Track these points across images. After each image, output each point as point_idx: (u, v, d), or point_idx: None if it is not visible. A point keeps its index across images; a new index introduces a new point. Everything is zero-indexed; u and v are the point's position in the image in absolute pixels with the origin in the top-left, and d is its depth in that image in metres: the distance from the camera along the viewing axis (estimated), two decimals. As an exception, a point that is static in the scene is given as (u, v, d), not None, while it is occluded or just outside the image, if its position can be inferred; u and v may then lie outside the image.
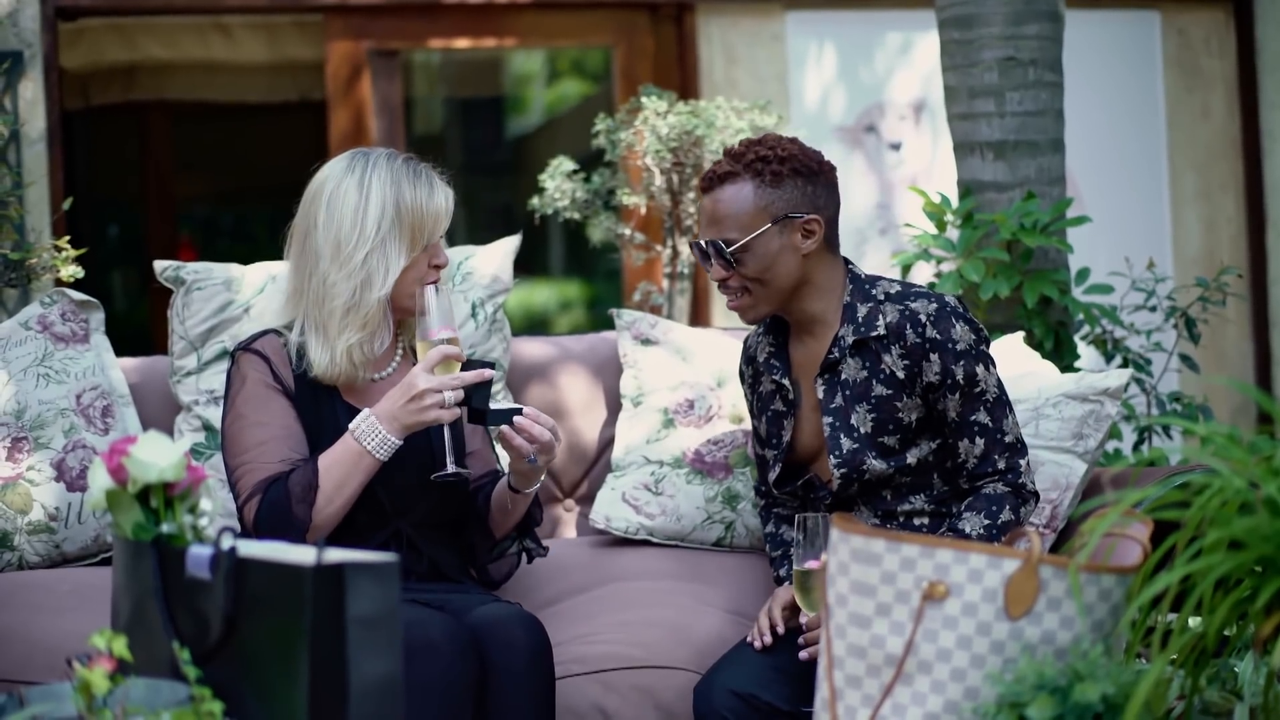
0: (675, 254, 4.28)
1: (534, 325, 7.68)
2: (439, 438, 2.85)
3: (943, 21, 4.00)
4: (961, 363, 2.84)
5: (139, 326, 7.67)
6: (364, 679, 1.90)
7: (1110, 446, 4.05)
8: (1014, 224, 3.82)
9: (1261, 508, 1.98)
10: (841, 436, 2.88)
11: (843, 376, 2.89)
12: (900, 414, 2.87)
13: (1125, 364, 4.02)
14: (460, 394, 2.78)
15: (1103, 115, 5.88)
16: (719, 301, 5.71)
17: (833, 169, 2.93)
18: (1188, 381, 5.47)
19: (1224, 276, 4.08)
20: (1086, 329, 4.08)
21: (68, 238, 3.64)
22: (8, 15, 4.99)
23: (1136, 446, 4.09)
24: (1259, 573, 2.00)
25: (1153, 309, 4.13)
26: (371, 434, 2.78)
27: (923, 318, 2.85)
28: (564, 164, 4.30)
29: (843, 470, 2.87)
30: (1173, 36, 6.04)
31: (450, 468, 2.83)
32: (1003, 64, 3.91)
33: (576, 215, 4.31)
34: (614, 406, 3.51)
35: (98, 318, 3.36)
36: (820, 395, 2.91)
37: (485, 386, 2.81)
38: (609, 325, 3.61)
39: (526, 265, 7.22)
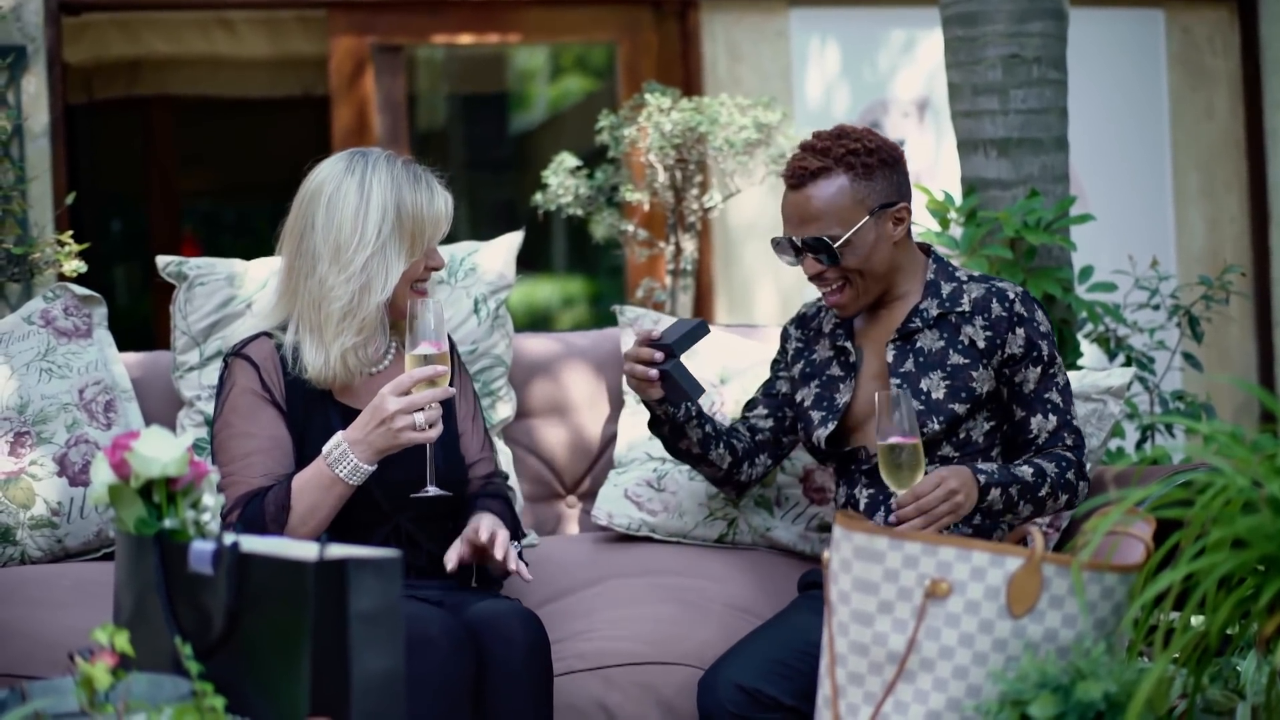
0: (678, 250, 4.28)
1: (537, 322, 7.69)
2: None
3: (947, 19, 3.99)
4: (1044, 341, 2.94)
5: (141, 321, 7.67)
6: (366, 674, 1.91)
7: (1113, 445, 4.05)
8: (1017, 222, 3.82)
9: (1264, 506, 1.98)
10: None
11: (918, 344, 2.96)
12: (974, 384, 2.93)
13: (1128, 362, 4.02)
14: (438, 410, 2.75)
15: (1107, 113, 5.87)
16: (722, 298, 5.71)
17: (904, 155, 3.00)
18: (1191, 380, 5.47)
19: (1227, 275, 4.07)
20: (1090, 327, 4.07)
21: (70, 232, 3.64)
22: (11, 10, 5.00)
23: (1139, 445, 4.09)
24: (1262, 571, 2.00)
25: (1156, 307, 4.12)
26: (343, 461, 2.75)
27: (1010, 294, 2.95)
28: (567, 160, 4.30)
29: None
30: (1177, 35, 6.04)
31: (431, 489, 2.81)
32: (1007, 61, 3.90)
33: (579, 211, 4.31)
34: (617, 403, 3.51)
35: (100, 312, 3.36)
36: (889, 359, 2.96)
37: (690, 328, 2.84)
38: (612, 322, 3.60)
39: (529, 261, 7.22)
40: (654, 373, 2.84)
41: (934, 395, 2.92)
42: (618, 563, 3.28)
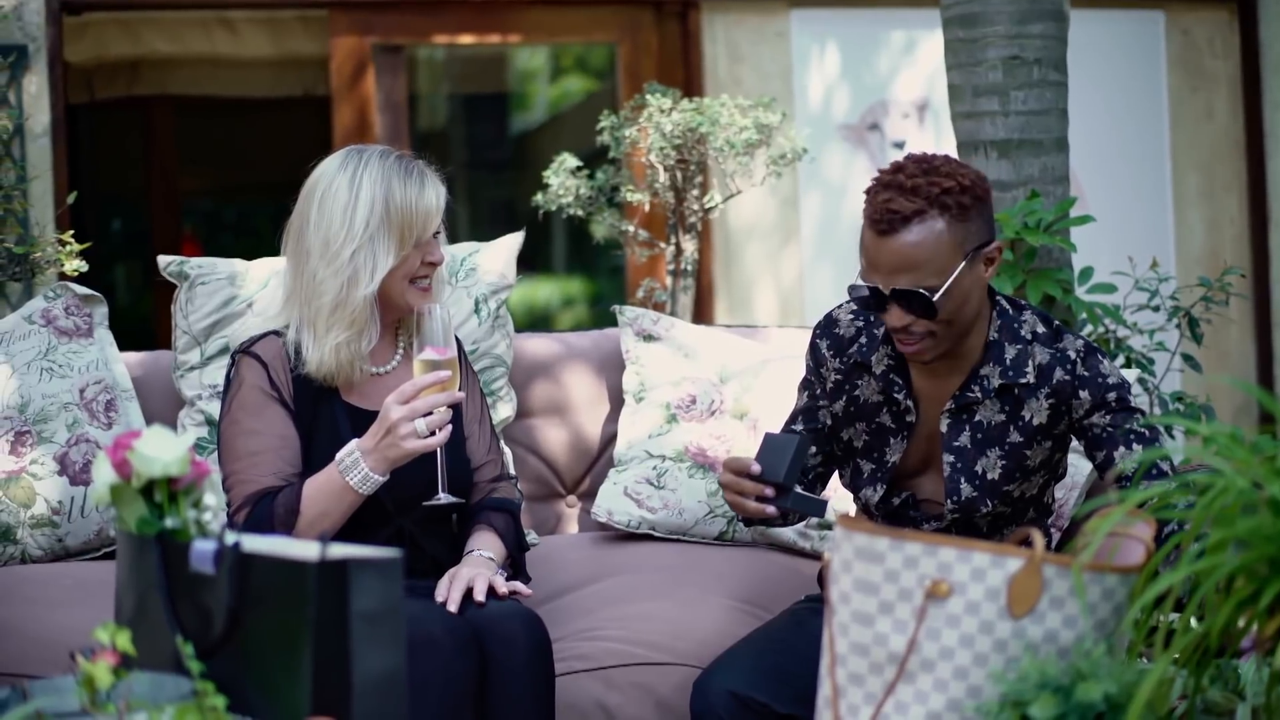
0: (679, 251, 4.28)
1: (537, 322, 7.69)
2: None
3: (947, 20, 3.99)
4: (1113, 392, 2.71)
5: (142, 321, 7.67)
6: (367, 674, 1.91)
7: (1113, 446, 4.04)
8: (1017, 223, 3.82)
9: (1265, 508, 1.98)
10: (962, 480, 2.75)
11: (977, 417, 2.74)
12: (1027, 461, 2.76)
13: (1128, 364, 4.02)
14: (447, 414, 2.74)
15: (1107, 115, 5.88)
16: (722, 299, 5.71)
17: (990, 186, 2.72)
18: (1190, 381, 5.47)
19: (1227, 276, 4.07)
20: (1089, 328, 4.08)
21: (71, 232, 3.65)
22: (13, 9, 5.00)
23: (1139, 446, 4.08)
24: (1262, 574, 2.00)
25: (1155, 308, 4.13)
26: (354, 469, 2.75)
27: (1071, 354, 2.72)
28: (568, 160, 4.30)
29: (955, 515, 2.78)
30: (1177, 36, 6.04)
31: (443, 496, 2.81)
32: (1007, 63, 3.90)
33: (580, 212, 4.31)
34: (617, 402, 3.52)
35: (101, 312, 3.36)
36: (944, 429, 2.76)
37: (792, 454, 2.58)
38: (612, 322, 3.61)
39: (530, 262, 7.22)
40: (772, 510, 2.63)
41: (989, 476, 2.74)
42: (618, 561, 3.28)
